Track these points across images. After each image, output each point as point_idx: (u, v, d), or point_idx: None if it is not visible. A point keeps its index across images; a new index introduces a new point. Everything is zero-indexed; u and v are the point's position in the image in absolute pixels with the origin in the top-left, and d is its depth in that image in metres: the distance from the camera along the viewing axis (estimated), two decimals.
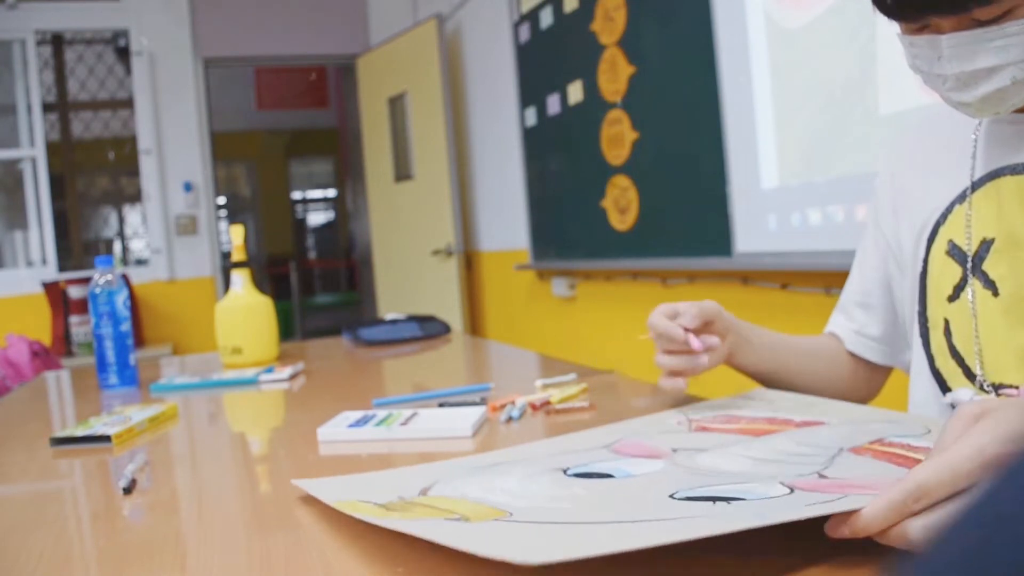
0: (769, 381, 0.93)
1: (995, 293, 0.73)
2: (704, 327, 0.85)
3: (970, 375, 0.75)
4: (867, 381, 0.96)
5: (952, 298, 0.78)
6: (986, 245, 0.75)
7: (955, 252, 0.78)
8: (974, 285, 0.75)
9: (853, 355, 0.95)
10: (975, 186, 0.77)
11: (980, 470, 0.43)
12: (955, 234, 0.78)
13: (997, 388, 0.73)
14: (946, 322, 0.78)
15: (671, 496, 0.57)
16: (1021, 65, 0.67)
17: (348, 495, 0.63)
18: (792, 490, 0.55)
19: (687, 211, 2.36)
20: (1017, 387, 0.71)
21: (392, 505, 0.60)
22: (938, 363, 0.79)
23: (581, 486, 0.63)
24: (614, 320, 2.93)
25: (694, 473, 0.64)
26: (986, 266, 0.74)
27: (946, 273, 0.79)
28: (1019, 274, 0.71)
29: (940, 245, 0.80)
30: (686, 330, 0.83)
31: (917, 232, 0.83)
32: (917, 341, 0.82)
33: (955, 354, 0.77)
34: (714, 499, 0.56)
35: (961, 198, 0.78)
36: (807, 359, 0.94)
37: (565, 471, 0.68)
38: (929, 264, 0.81)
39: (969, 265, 0.76)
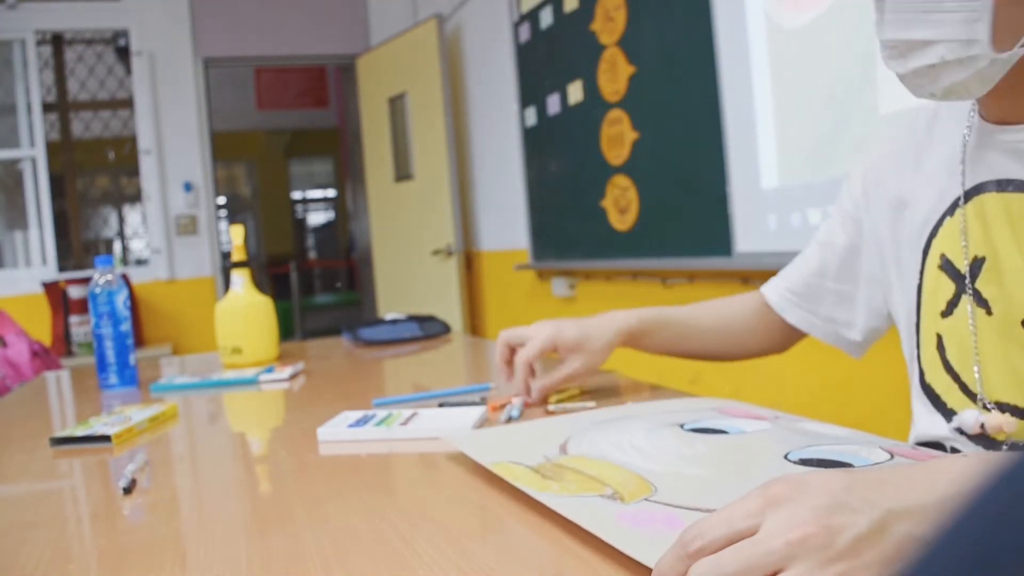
0: (684, 354, 1.07)
1: (988, 312, 0.72)
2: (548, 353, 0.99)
3: (966, 391, 0.74)
4: (783, 341, 1.04)
5: (946, 313, 0.76)
6: (978, 263, 0.73)
7: (948, 267, 0.76)
8: (968, 302, 0.73)
9: (774, 314, 1.01)
10: (965, 198, 0.75)
11: (759, 506, 0.42)
12: (948, 248, 0.76)
13: (993, 406, 0.72)
14: (939, 337, 0.77)
15: (785, 458, 0.63)
16: (951, 45, 0.64)
17: (500, 455, 0.69)
18: (892, 455, 0.58)
19: (687, 211, 2.35)
20: (1015, 405, 0.70)
21: (544, 469, 0.65)
22: (928, 377, 0.78)
23: (702, 442, 0.69)
24: None
25: (800, 433, 0.71)
26: (979, 284, 0.73)
27: (940, 288, 0.77)
28: (1008, 295, 0.70)
29: (933, 259, 0.78)
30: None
31: (914, 242, 0.81)
32: (913, 352, 0.81)
33: (949, 369, 0.76)
34: (824, 462, 0.61)
35: (951, 210, 0.76)
36: (716, 332, 1.05)
37: (681, 426, 0.75)
38: (924, 277, 0.80)
39: (967, 281, 0.74)
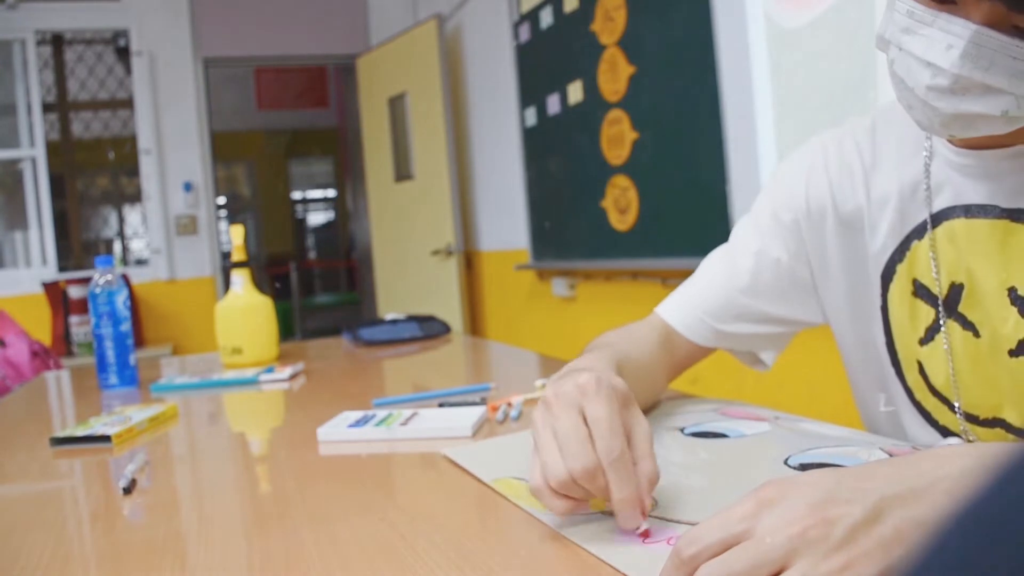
0: None
1: (976, 335, 0.70)
2: None
3: (957, 411, 0.74)
4: (688, 364, 0.92)
5: (924, 340, 0.74)
6: (956, 289, 0.71)
7: (923, 294, 0.74)
8: (951, 328, 0.72)
9: (684, 340, 0.89)
10: (933, 222, 0.72)
11: (752, 509, 0.42)
12: (920, 274, 0.74)
13: (991, 423, 0.71)
14: (920, 364, 0.75)
15: (785, 463, 0.64)
16: (1021, 101, 0.58)
17: (501, 470, 0.69)
18: (891, 456, 0.58)
19: (687, 211, 2.35)
20: (1010, 423, 0.70)
21: None
22: (918, 397, 0.77)
23: (702, 447, 0.70)
24: (614, 320, 2.92)
25: (800, 435, 0.71)
26: (962, 308, 0.71)
27: (917, 315, 0.75)
28: (991, 321, 0.68)
29: (902, 285, 0.76)
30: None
31: (870, 264, 0.78)
32: (889, 371, 0.79)
33: (936, 393, 0.75)
34: (823, 467, 0.61)
35: (918, 234, 0.74)
36: (644, 384, 0.82)
37: (682, 430, 0.75)
38: (889, 303, 0.77)
39: (941, 309, 0.72)
